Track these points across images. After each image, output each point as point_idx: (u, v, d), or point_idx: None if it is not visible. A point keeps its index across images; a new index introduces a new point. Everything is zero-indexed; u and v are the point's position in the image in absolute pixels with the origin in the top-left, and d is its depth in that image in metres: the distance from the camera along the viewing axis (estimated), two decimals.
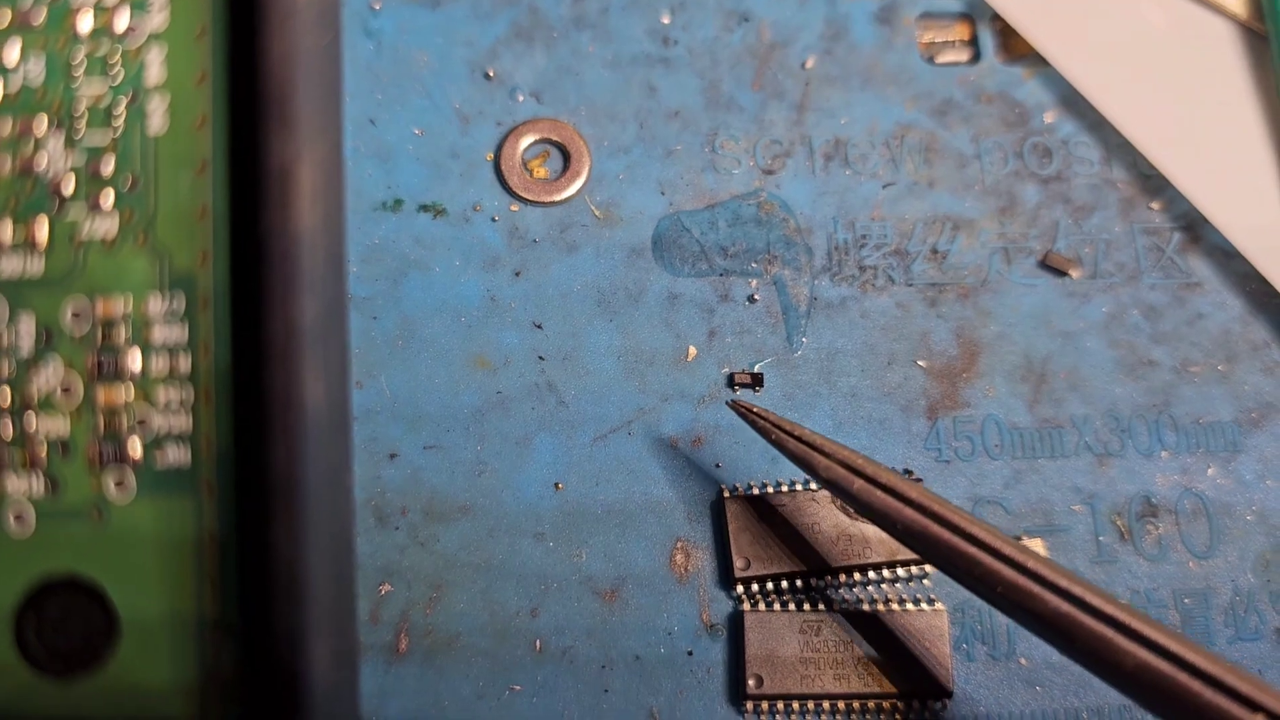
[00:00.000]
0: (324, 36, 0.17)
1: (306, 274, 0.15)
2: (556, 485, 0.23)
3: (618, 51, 0.26)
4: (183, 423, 0.18)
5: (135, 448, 0.17)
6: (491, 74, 0.25)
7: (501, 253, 0.24)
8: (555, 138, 0.25)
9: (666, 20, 0.26)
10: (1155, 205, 0.26)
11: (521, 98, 0.25)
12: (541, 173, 0.25)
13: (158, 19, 0.18)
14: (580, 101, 0.25)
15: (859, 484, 0.20)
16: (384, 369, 0.23)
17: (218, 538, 0.17)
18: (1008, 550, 0.19)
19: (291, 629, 0.15)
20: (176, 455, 0.17)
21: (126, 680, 0.17)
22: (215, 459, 0.17)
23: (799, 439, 0.21)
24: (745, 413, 0.22)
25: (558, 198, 0.24)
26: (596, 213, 0.25)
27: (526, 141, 0.25)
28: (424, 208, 0.24)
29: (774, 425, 0.21)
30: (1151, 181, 0.26)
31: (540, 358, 0.24)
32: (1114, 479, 0.24)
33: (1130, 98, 0.26)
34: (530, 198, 0.24)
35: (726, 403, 0.23)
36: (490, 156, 0.25)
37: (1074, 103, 0.26)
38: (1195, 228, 0.26)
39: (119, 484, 0.17)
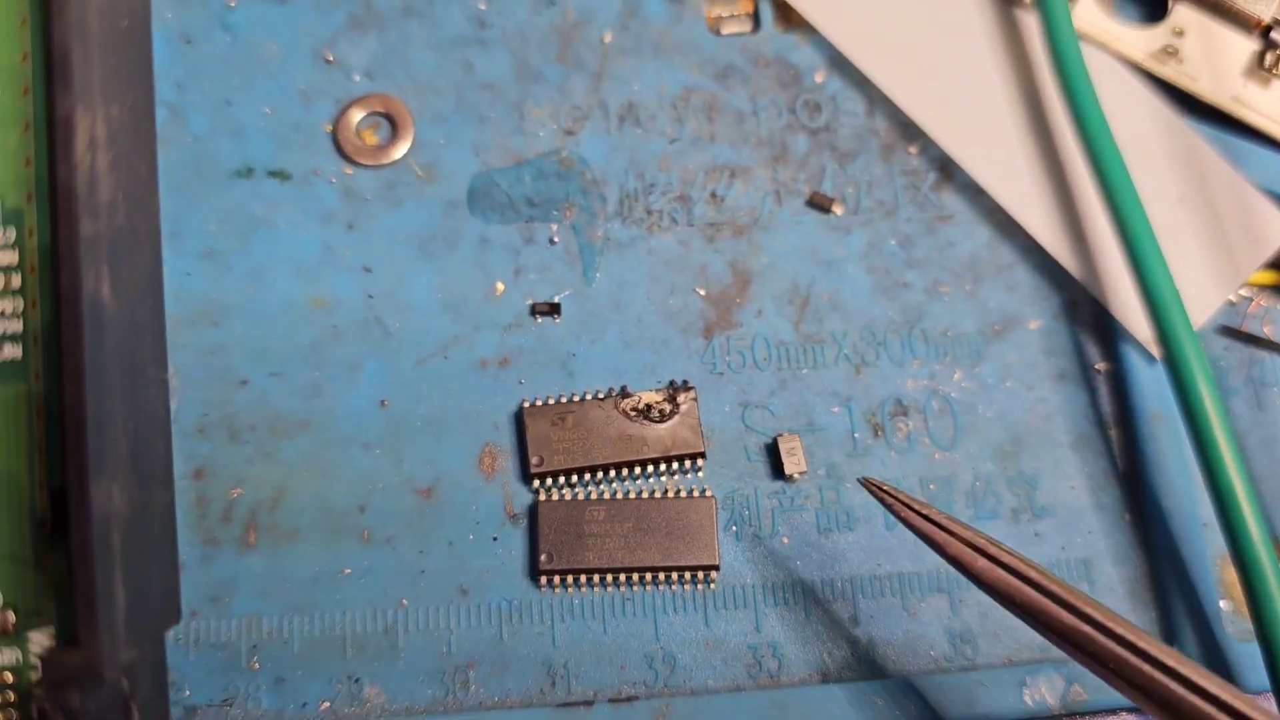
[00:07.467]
0: (118, 21, 0.21)
1: (88, 202, 0.20)
2: (382, 403, 0.27)
3: (440, 35, 0.30)
4: (16, 325, 0.22)
5: None
6: (331, 58, 0.29)
7: (337, 209, 0.28)
8: (384, 110, 0.29)
9: (483, 6, 0.30)
10: (913, 150, 0.29)
11: (357, 77, 0.29)
12: (372, 140, 0.29)
13: None
14: (407, 79, 0.29)
15: (981, 563, 0.21)
16: (236, 311, 0.27)
17: (43, 414, 0.21)
18: (1122, 631, 0.20)
19: (80, 470, 0.19)
20: (11, 350, 0.22)
21: None
22: (41, 352, 0.22)
23: (925, 517, 0.22)
24: (875, 490, 0.23)
25: (386, 161, 0.28)
26: (419, 173, 0.29)
27: (360, 114, 0.29)
28: (271, 173, 0.28)
29: (903, 504, 0.22)
30: (909, 129, 0.29)
31: (369, 296, 0.28)
32: (869, 384, 0.28)
33: (889, 58, 0.29)
34: (363, 161, 0.28)
35: (858, 479, 0.24)
36: (329, 128, 0.29)
37: (840, 64, 0.30)
38: (948, 168, 0.29)
39: None
